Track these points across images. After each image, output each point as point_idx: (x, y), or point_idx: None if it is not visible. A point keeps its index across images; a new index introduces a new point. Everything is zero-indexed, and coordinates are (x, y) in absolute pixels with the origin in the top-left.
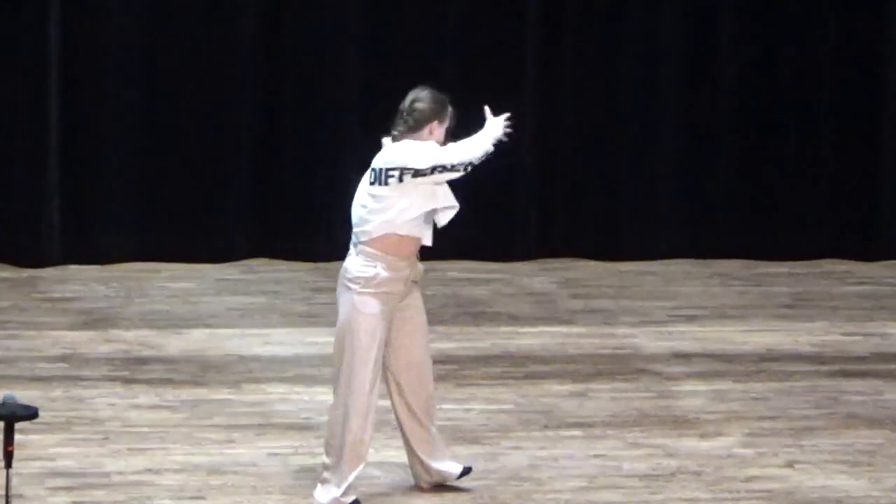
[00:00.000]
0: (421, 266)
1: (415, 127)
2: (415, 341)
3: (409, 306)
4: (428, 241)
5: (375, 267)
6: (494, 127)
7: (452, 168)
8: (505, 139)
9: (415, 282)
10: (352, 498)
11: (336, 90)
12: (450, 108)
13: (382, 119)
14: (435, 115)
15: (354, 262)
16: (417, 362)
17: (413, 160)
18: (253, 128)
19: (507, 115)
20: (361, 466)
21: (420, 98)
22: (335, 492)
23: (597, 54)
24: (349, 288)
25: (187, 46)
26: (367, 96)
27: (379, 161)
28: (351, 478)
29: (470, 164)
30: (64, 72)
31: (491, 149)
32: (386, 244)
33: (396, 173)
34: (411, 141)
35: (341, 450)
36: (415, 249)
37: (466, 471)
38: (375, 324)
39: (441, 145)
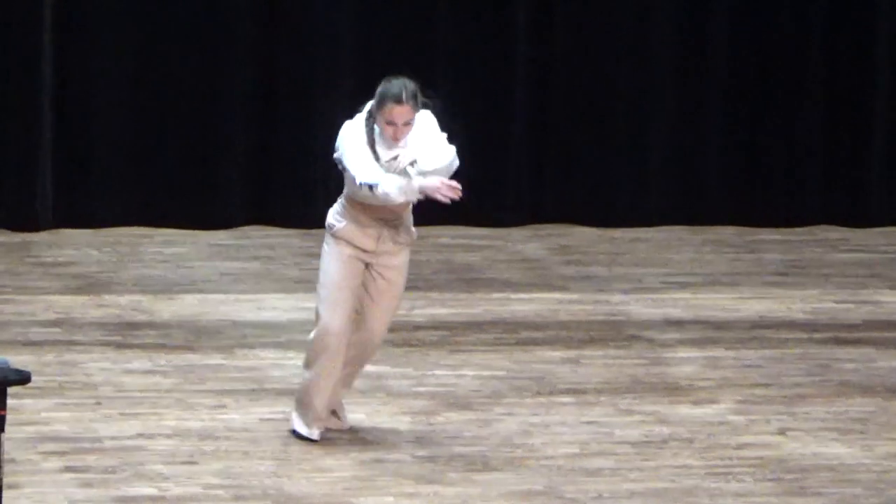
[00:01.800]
0: (413, 231)
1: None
2: (377, 303)
3: (384, 266)
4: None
5: (342, 222)
6: (423, 183)
7: (352, 176)
8: (439, 197)
9: (399, 244)
10: (316, 431)
11: (332, 55)
12: (386, 102)
13: (376, 86)
14: (375, 98)
15: (332, 210)
16: (368, 323)
17: (339, 145)
18: (248, 93)
19: (456, 186)
20: (329, 359)
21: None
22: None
23: (589, 23)
24: (326, 228)
25: (184, 10)
26: (363, 62)
27: None
28: (315, 370)
29: (362, 184)
30: (57, 34)
31: (385, 192)
32: (353, 202)
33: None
34: (350, 125)
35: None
36: (388, 213)
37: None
38: (342, 248)
39: (386, 136)
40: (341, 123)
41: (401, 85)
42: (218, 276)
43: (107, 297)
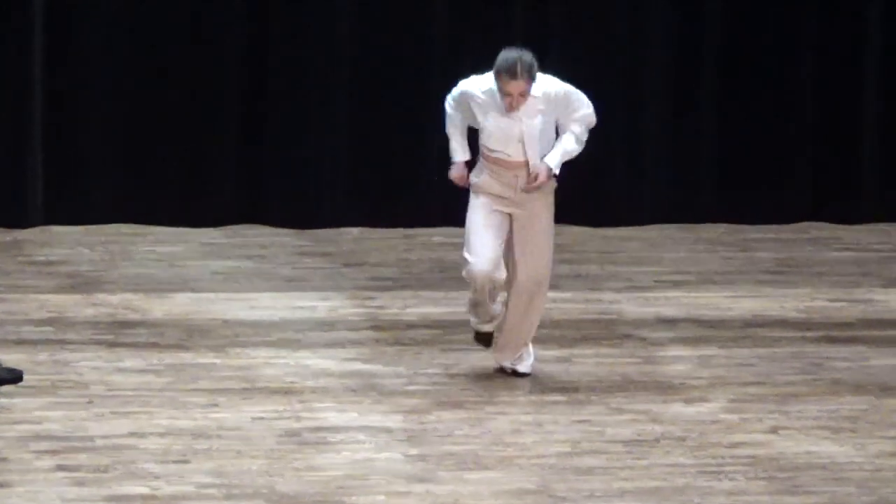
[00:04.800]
0: (552, 182)
1: None
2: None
3: (528, 214)
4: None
5: (481, 175)
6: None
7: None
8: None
9: (530, 194)
10: (485, 326)
11: (325, 54)
12: (502, 74)
13: (372, 84)
14: (494, 72)
15: (476, 166)
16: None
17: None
18: (240, 91)
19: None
20: (480, 291)
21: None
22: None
23: (583, 22)
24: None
25: (175, 7)
26: (357, 60)
27: None
28: (472, 298)
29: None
30: (48, 31)
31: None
32: (486, 156)
33: None
34: (479, 78)
35: None
36: (516, 166)
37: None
38: (482, 198)
39: (504, 102)
40: (334, 122)
41: (515, 59)
42: (210, 274)
43: (99, 295)
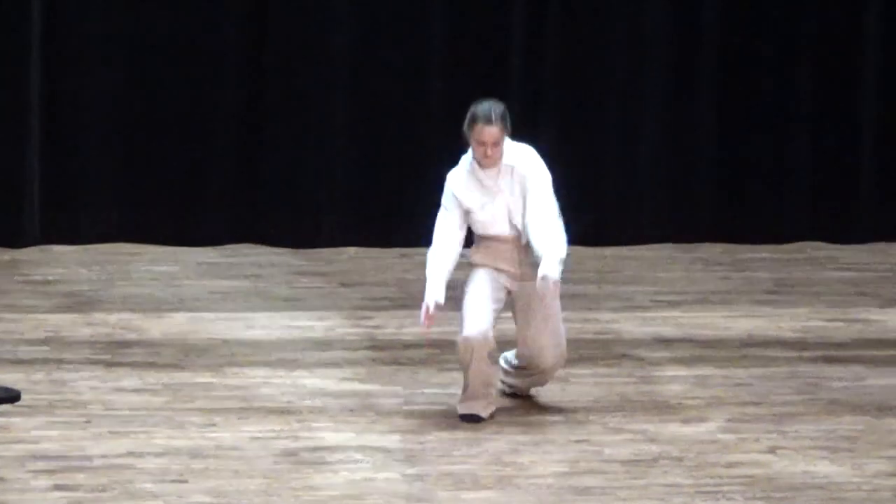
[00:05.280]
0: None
1: None
2: (534, 322)
3: (531, 292)
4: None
5: (478, 252)
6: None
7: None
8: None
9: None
10: (469, 409)
11: (322, 71)
12: (476, 122)
13: (369, 104)
14: (465, 123)
15: (472, 249)
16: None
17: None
18: (237, 110)
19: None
20: (474, 363)
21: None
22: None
23: (579, 41)
24: None
25: (171, 27)
26: (353, 79)
27: None
28: (468, 380)
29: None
30: (45, 50)
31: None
32: (479, 237)
33: None
34: (453, 171)
35: None
36: (510, 245)
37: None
38: (480, 270)
39: (476, 157)
40: (331, 141)
41: (489, 106)
42: (207, 294)
43: (96, 315)
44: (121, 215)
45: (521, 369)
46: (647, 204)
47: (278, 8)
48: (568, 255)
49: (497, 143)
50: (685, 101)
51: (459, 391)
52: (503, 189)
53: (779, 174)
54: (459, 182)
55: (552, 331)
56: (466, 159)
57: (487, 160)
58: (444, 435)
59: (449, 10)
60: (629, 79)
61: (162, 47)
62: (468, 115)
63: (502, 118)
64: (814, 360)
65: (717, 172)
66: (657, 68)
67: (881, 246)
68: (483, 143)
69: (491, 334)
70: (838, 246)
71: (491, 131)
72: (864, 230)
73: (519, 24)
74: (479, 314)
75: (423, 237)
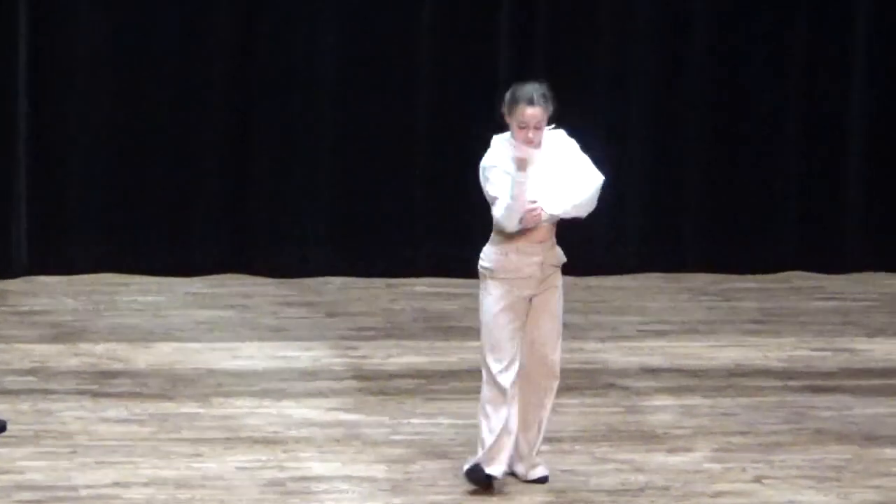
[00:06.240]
0: (559, 251)
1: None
2: (545, 332)
3: (545, 291)
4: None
5: (501, 257)
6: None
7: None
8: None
9: (554, 266)
10: (487, 470)
11: (308, 103)
12: (518, 104)
13: (355, 135)
14: (503, 107)
15: (484, 254)
16: (536, 349)
17: (482, 172)
18: (223, 142)
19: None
20: (488, 426)
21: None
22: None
23: (565, 70)
24: (481, 275)
25: (159, 57)
26: (339, 112)
27: None
28: (484, 439)
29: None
30: (32, 80)
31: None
32: (509, 235)
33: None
34: (489, 153)
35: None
36: (544, 234)
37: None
38: (503, 289)
39: (518, 138)
40: (318, 172)
41: (532, 87)
42: (194, 324)
43: (82, 345)
44: (107, 246)
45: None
46: (633, 234)
47: (264, 39)
48: (600, 190)
49: (539, 126)
50: (671, 130)
51: (475, 448)
52: (543, 171)
53: (765, 204)
54: (502, 161)
55: (558, 331)
56: (501, 141)
57: (530, 144)
58: (431, 465)
59: (435, 41)
60: (614, 109)
61: (148, 79)
62: (507, 96)
63: (545, 98)
64: (800, 389)
65: (703, 202)
66: (643, 98)
67: (867, 276)
68: (525, 126)
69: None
70: (825, 275)
71: (534, 112)
72: (850, 260)
73: (505, 55)
74: (511, 354)
75: (409, 268)
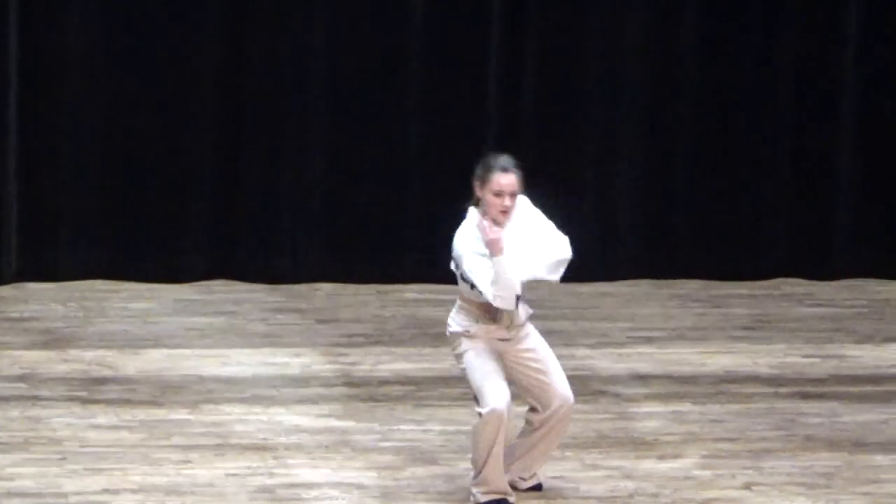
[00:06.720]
0: (523, 310)
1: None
2: (546, 372)
3: (524, 339)
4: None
5: (472, 323)
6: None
7: (471, 284)
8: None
9: (522, 324)
10: (493, 496)
11: (299, 112)
12: (493, 173)
13: (345, 140)
14: (475, 179)
15: (452, 318)
16: (554, 392)
17: (456, 256)
18: (214, 149)
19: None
20: (501, 436)
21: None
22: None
23: (556, 76)
24: (452, 338)
25: (149, 65)
26: (331, 120)
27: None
28: (489, 456)
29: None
30: (22, 87)
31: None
32: (476, 303)
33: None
34: (462, 231)
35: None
36: (510, 319)
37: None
38: (477, 343)
39: (493, 209)
40: (308, 179)
41: (503, 156)
42: (183, 331)
43: (72, 352)
44: (97, 252)
45: (533, 430)
46: (623, 240)
47: (254, 48)
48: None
49: (514, 194)
50: (662, 138)
51: (471, 474)
52: (511, 240)
53: (755, 211)
54: (473, 245)
55: (553, 357)
56: (471, 219)
57: (504, 215)
58: (421, 471)
59: (427, 54)
60: (606, 118)
61: (139, 87)
62: (480, 167)
63: (517, 167)
64: (790, 396)
65: (693, 209)
66: (634, 104)
67: (857, 282)
68: (501, 194)
69: (511, 405)
70: (814, 282)
71: (510, 180)
72: (840, 267)
73: (496, 68)
74: (498, 385)
75: (399, 274)
